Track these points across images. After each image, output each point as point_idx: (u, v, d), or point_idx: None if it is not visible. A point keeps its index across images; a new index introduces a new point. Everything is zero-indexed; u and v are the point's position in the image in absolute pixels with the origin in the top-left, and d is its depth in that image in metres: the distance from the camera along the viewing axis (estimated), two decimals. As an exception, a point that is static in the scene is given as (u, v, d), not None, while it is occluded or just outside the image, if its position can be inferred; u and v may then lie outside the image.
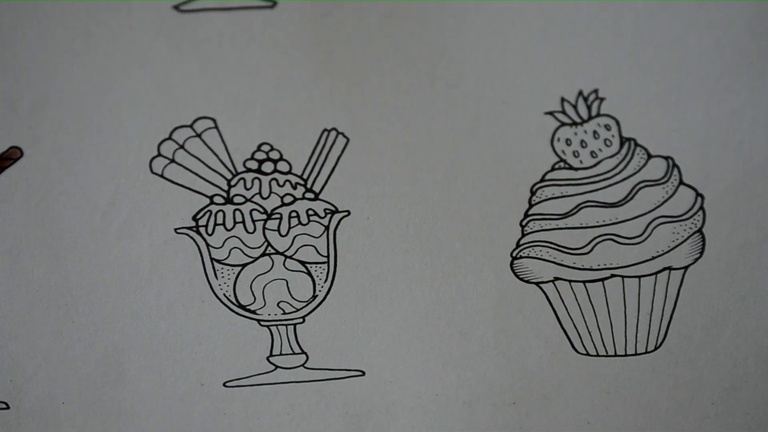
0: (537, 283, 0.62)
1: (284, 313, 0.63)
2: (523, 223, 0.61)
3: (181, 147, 0.59)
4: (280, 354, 0.64)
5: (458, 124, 0.59)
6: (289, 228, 0.61)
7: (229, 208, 0.61)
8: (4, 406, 0.64)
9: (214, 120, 0.58)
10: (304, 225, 0.61)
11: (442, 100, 0.58)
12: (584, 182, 0.60)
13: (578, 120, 0.59)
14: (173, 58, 0.57)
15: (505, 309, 0.63)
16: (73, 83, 0.57)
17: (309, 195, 0.61)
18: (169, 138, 0.59)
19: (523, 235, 0.61)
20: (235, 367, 0.64)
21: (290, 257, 0.62)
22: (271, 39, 0.57)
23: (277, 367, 0.64)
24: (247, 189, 0.60)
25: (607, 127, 0.59)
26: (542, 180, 0.60)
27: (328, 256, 0.62)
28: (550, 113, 0.59)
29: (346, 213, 0.61)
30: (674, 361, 0.64)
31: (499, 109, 0.58)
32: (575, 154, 0.60)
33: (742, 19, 0.56)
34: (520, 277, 0.62)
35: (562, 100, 0.58)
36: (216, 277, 0.62)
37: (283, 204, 0.61)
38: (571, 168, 0.60)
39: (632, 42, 0.57)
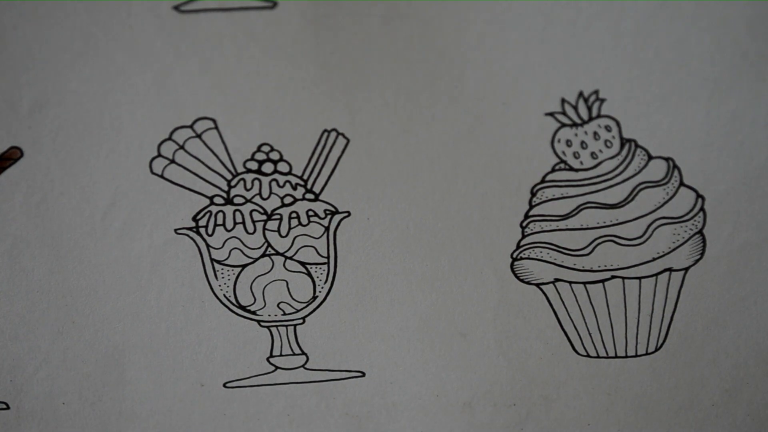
0: (537, 285, 0.62)
1: (284, 314, 0.63)
2: (524, 224, 0.61)
3: (181, 147, 0.59)
4: (280, 355, 0.64)
5: (458, 125, 0.59)
6: (289, 229, 0.61)
7: (229, 209, 0.61)
8: (4, 406, 0.64)
9: (214, 120, 0.59)
10: (305, 226, 0.61)
11: (442, 100, 0.58)
12: (585, 183, 0.60)
13: (579, 121, 0.59)
14: (173, 58, 0.57)
15: (506, 310, 0.63)
16: (73, 83, 0.57)
17: (309, 196, 0.60)
18: (170, 138, 0.59)
19: (524, 237, 0.61)
20: (235, 368, 0.64)
21: (290, 258, 0.62)
22: (271, 39, 0.57)
23: (277, 368, 0.64)
24: (247, 190, 0.60)
25: (608, 128, 0.59)
26: (542, 181, 0.60)
27: (328, 257, 0.62)
28: (551, 114, 0.59)
29: (346, 214, 0.61)
30: (675, 363, 0.64)
31: (499, 109, 0.58)
32: (576, 155, 0.60)
33: (742, 19, 0.56)
34: (521, 278, 0.62)
35: (563, 101, 0.58)
36: (216, 277, 0.62)
37: (284, 205, 0.61)
38: (571, 169, 0.60)
39: (632, 42, 0.57)
